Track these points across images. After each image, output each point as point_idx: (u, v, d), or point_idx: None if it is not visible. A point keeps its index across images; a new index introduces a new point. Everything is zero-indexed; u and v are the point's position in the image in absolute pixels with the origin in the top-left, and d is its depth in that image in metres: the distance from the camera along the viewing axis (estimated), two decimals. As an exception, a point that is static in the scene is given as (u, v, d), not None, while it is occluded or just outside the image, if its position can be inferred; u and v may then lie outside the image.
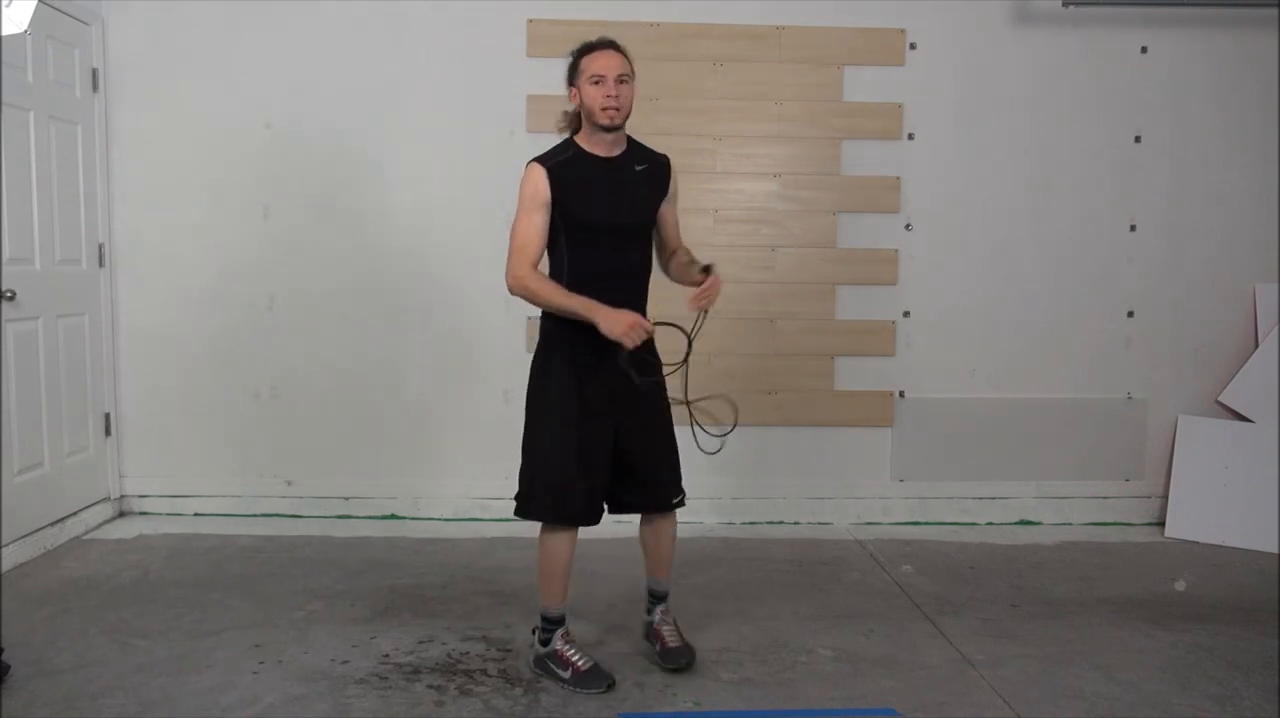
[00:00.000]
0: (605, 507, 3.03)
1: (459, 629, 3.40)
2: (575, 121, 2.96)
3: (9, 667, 2.96)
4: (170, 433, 4.74)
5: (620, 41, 2.93)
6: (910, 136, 4.77)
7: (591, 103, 2.84)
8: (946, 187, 4.79)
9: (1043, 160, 4.81)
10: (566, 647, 3.01)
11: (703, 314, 2.89)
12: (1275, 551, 4.47)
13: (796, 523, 4.82)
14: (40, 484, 4.18)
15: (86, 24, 4.49)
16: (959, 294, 4.83)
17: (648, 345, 2.87)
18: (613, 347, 2.79)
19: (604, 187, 2.90)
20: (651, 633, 3.19)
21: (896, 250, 4.81)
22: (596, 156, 2.92)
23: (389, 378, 4.75)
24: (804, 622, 3.52)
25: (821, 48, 4.73)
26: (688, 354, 2.92)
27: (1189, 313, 4.88)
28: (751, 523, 4.79)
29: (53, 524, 4.24)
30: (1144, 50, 4.79)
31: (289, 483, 4.77)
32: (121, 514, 4.73)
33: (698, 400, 2.94)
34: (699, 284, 2.88)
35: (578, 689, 2.93)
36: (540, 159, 2.91)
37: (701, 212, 4.64)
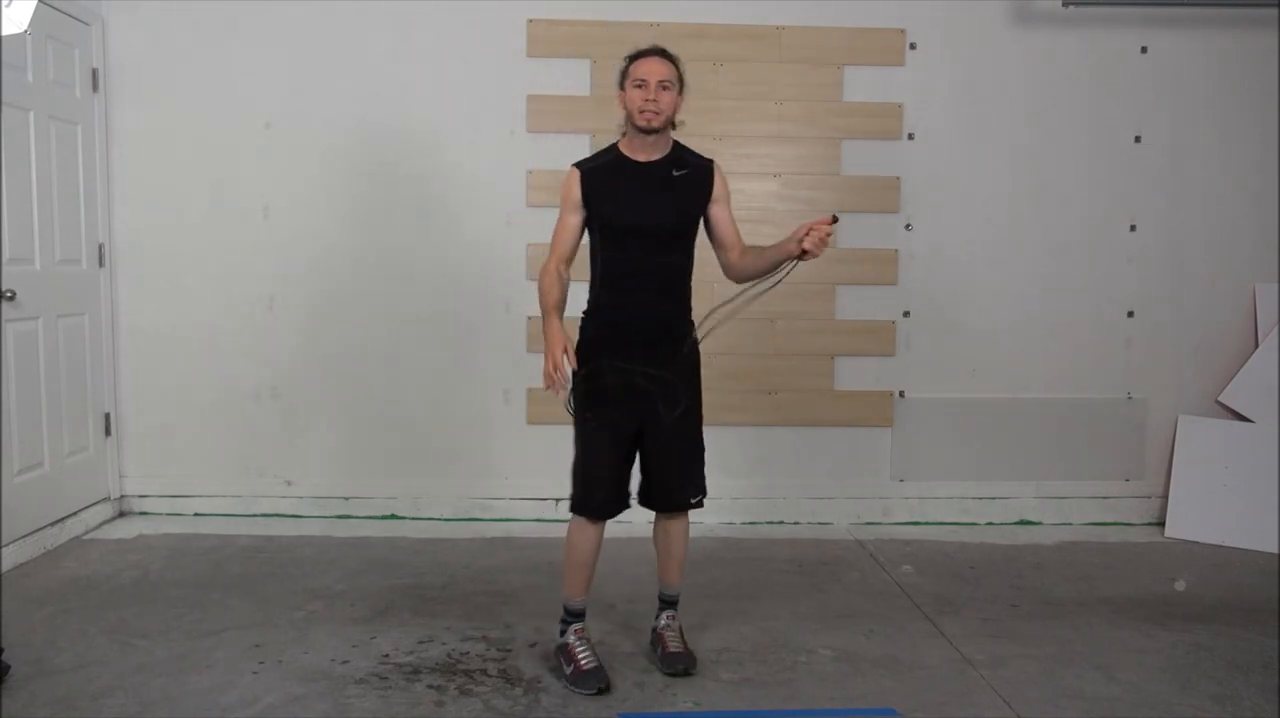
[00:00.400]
0: (631, 499, 3.09)
1: (459, 629, 3.40)
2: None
3: (9, 667, 2.96)
4: (170, 433, 4.74)
5: (671, 50, 2.98)
6: (910, 136, 4.77)
7: (632, 105, 2.93)
8: (946, 186, 4.79)
9: (1043, 160, 4.81)
10: (578, 643, 3.03)
11: (792, 265, 2.94)
12: (1275, 550, 4.47)
13: (796, 523, 4.82)
14: (40, 484, 4.18)
15: (86, 24, 4.49)
16: (959, 294, 4.83)
17: (663, 365, 2.95)
18: (639, 349, 2.94)
19: (635, 190, 2.97)
20: (656, 638, 3.20)
21: (896, 250, 4.81)
22: (633, 161, 2.99)
23: (389, 378, 4.75)
24: (804, 622, 3.52)
25: (821, 48, 4.73)
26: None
27: (1189, 313, 4.88)
28: (751, 523, 4.79)
29: (53, 524, 4.24)
30: (1144, 50, 4.79)
31: (289, 483, 4.77)
32: (121, 514, 4.73)
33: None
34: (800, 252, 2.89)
35: (572, 688, 2.95)
36: (579, 162, 3.04)
37: (701, 212, 4.65)
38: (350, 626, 3.42)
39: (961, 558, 4.34)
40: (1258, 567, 4.29)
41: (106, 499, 4.66)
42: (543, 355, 2.88)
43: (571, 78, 4.66)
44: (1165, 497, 4.83)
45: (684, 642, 3.16)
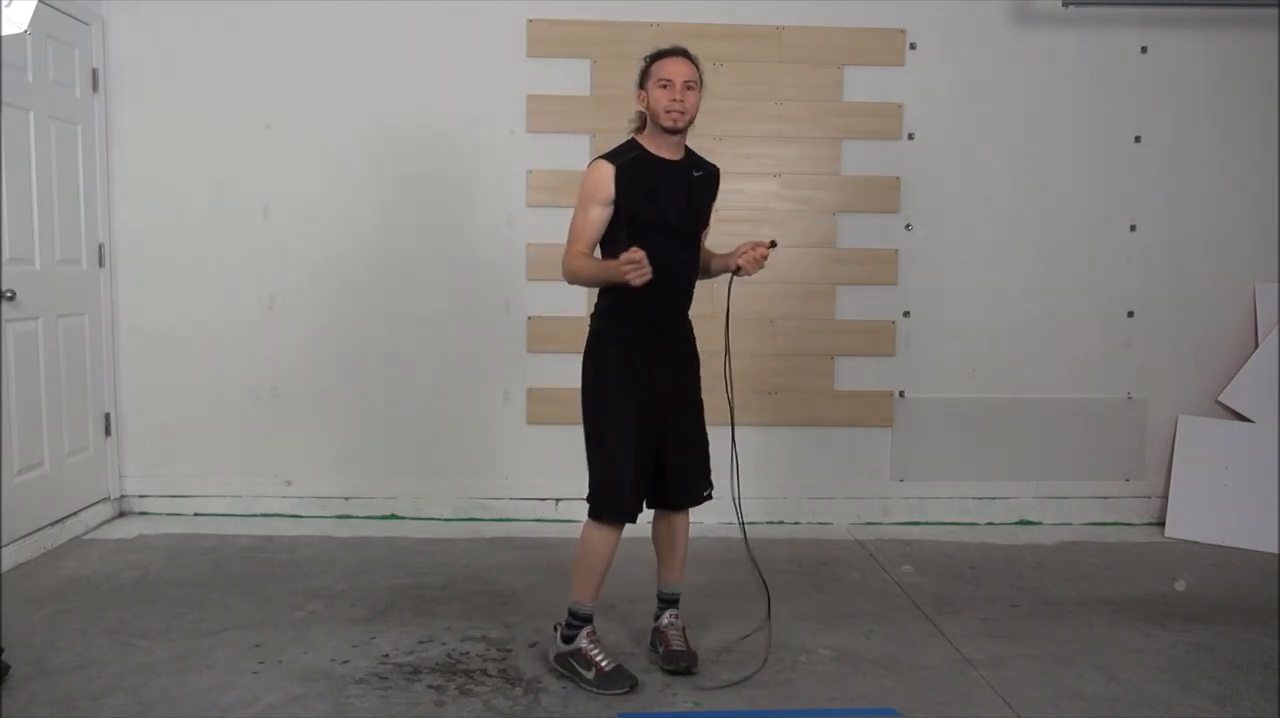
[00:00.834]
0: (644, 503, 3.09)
1: (459, 629, 3.40)
2: (643, 123, 3.03)
3: (9, 667, 2.96)
4: (170, 433, 4.74)
5: (692, 51, 2.99)
6: (910, 136, 4.77)
7: (657, 105, 2.92)
8: (946, 187, 4.79)
9: (1043, 160, 4.81)
10: (592, 647, 3.01)
11: (733, 277, 3.06)
12: (1275, 550, 4.47)
13: (796, 523, 4.81)
14: (40, 484, 4.18)
15: (86, 24, 4.49)
16: (959, 294, 4.83)
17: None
18: (659, 348, 3.00)
19: (667, 188, 2.98)
20: (657, 636, 3.19)
21: (896, 250, 4.81)
22: (661, 159, 2.99)
23: (389, 378, 4.75)
24: (804, 622, 3.52)
25: (821, 48, 4.73)
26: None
27: (1189, 313, 4.88)
28: (751, 523, 4.77)
29: (53, 524, 4.24)
30: (1144, 50, 4.79)
31: (289, 483, 4.77)
32: (121, 514, 4.73)
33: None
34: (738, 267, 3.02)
35: (601, 690, 2.93)
36: (607, 156, 2.98)
37: (701, 212, 4.65)
38: (350, 626, 3.42)
39: (961, 558, 4.34)
40: (1258, 567, 4.29)
41: (106, 499, 4.66)
42: (611, 277, 2.83)
43: (571, 78, 4.66)
44: (1165, 497, 4.83)
45: (686, 641, 3.16)
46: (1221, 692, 3.03)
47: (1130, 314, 4.88)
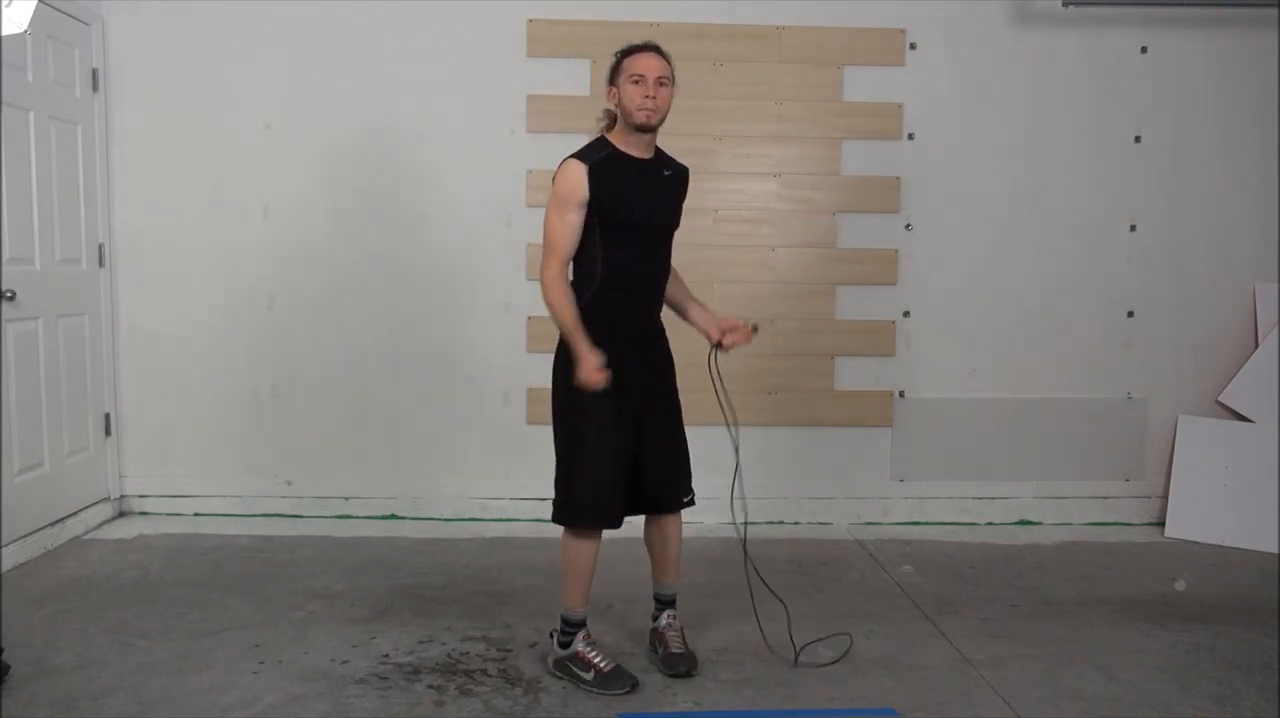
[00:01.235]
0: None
1: (459, 629, 3.40)
2: (614, 120, 2.97)
3: (9, 667, 2.96)
4: (170, 433, 4.74)
5: (664, 47, 2.95)
6: (910, 136, 4.77)
7: (629, 102, 2.86)
8: (946, 187, 4.79)
9: (1043, 160, 4.81)
10: (588, 649, 3.00)
11: (715, 351, 3.08)
12: (1275, 550, 4.47)
13: (796, 523, 4.81)
14: (40, 484, 4.18)
15: (86, 24, 4.49)
16: (959, 294, 4.83)
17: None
18: (634, 347, 2.96)
19: (641, 188, 2.93)
20: (656, 637, 3.18)
21: (896, 250, 4.81)
22: (632, 157, 2.93)
23: (389, 378, 4.75)
24: (804, 622, 3.52)
25: (821, 48, 4.73)
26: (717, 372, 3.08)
27: (1189, 313, 4.88)
28: (751, 523, 4.76)
29: (53, 524, 4.24)
30: (1144, 50, 4.79)
31: (289, 483, 4.77)
32: (121, 514, 4.73)
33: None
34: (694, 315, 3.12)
35: (601, 691, 2.92)
36: (579, 155, 2.90)
37: (701, 212, 4.63)
38: (350, 626, 3.42)
39: (961, 558, 4.34)
40: (1258, 567, 4.29)
41: (106, 499, 4.66)
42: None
43: (571, 78, 4.66)
44: (1165, 497, 4.83)
45: (685, 642, 3.15)
46: (1221, 692, 3.03)
47: (1130, 314, 4.88)
